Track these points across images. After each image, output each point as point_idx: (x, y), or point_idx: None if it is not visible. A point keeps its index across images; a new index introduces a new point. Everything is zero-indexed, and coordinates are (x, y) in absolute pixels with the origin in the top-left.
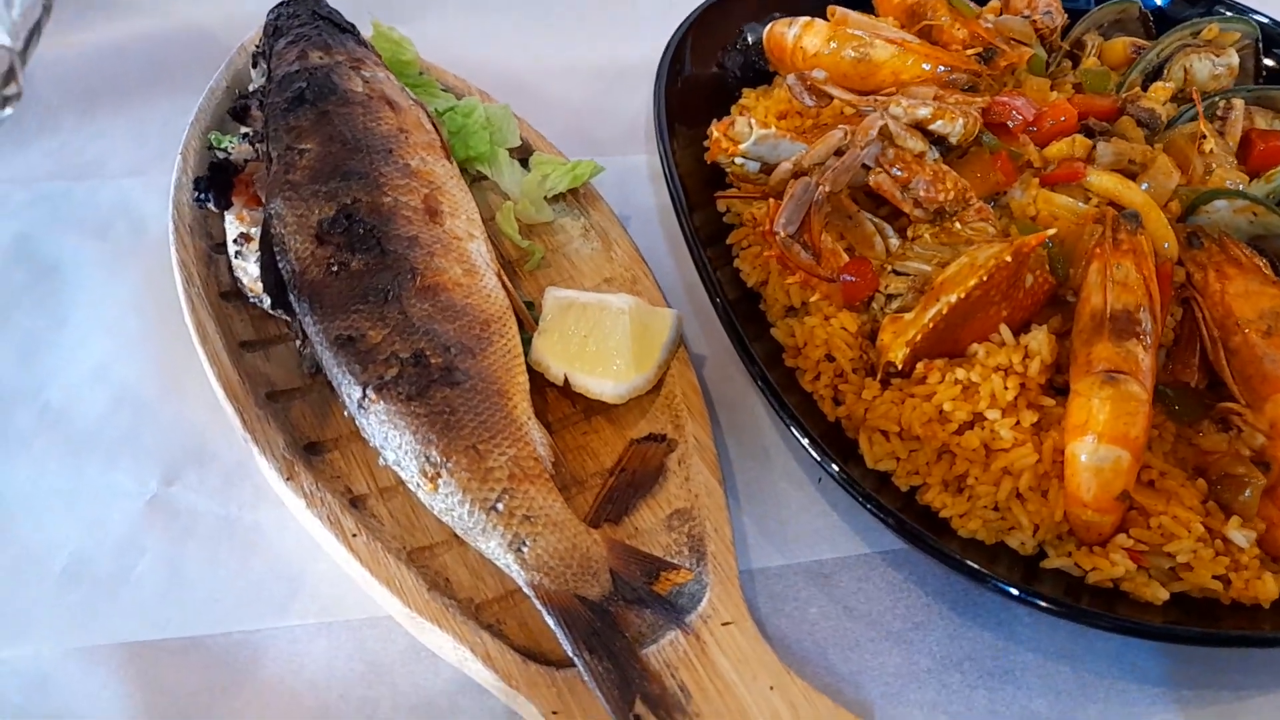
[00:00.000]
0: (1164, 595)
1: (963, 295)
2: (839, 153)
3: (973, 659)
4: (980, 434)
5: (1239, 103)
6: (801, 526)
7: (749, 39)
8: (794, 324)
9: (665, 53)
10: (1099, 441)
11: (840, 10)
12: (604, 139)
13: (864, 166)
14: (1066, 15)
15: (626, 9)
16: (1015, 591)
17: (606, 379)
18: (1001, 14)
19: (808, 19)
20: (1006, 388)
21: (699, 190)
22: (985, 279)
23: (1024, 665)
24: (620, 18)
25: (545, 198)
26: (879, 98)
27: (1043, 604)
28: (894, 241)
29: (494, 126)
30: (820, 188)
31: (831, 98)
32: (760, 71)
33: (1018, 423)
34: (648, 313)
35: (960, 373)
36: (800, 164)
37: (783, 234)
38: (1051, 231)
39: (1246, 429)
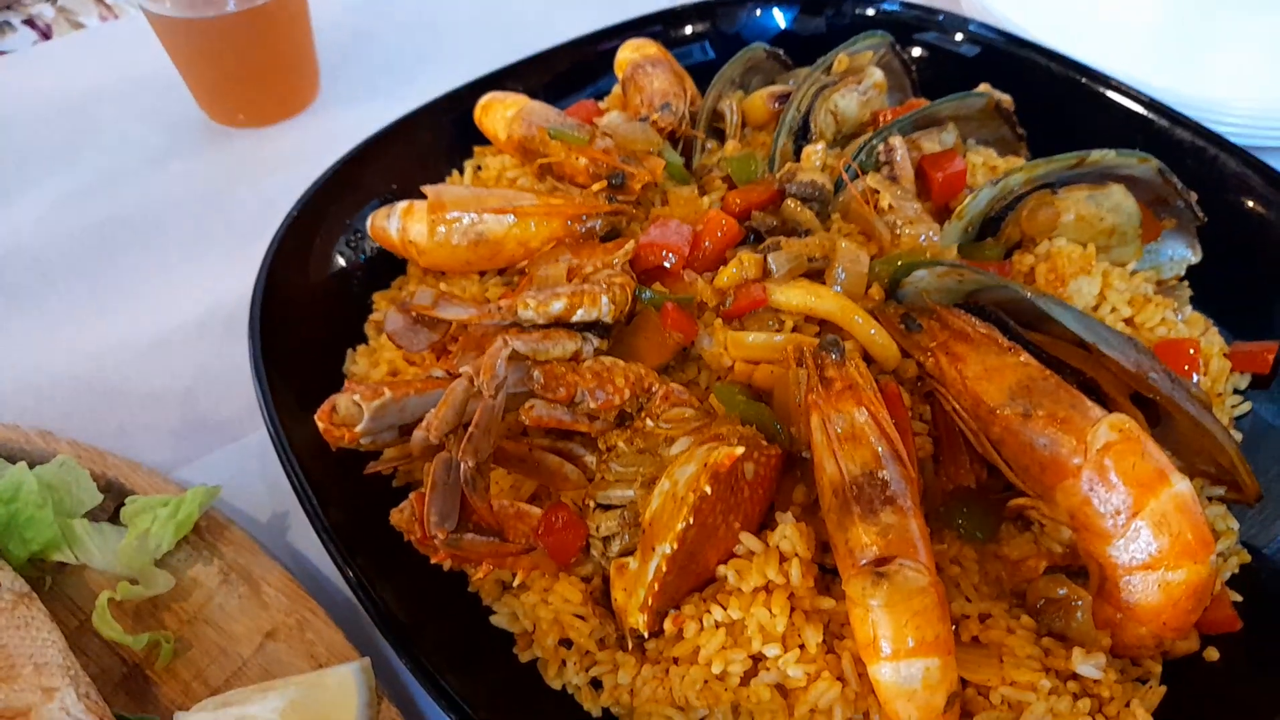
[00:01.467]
0: None
1: (676, 545)
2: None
3: None
4: (767, 679)
5: (896, 141)
6: None
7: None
8: (514, 604)
9: (255, 297)
10: (898, 659)
11: (434, 189)
12: (226, 417)
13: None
14: (695, 91)
15: (220, 231)
16: None
17: None
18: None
19: (406, 204)
20: (774, 613)
21: (342, 464)
22: (691, 521)
23: None
24: (212, 247)
25: (154, 561)
26: (500, 305)
27: None
28: (589, 459)
29: (58, 494)
30: (465, 463)
31: (448, 322)
32: (392, 261)
33: (803, 648)
34: (316, 693)
35: (718, 612)
36: (431, 435)
37: (442, 536)
38: (739, 451)
39: (1048, 523)
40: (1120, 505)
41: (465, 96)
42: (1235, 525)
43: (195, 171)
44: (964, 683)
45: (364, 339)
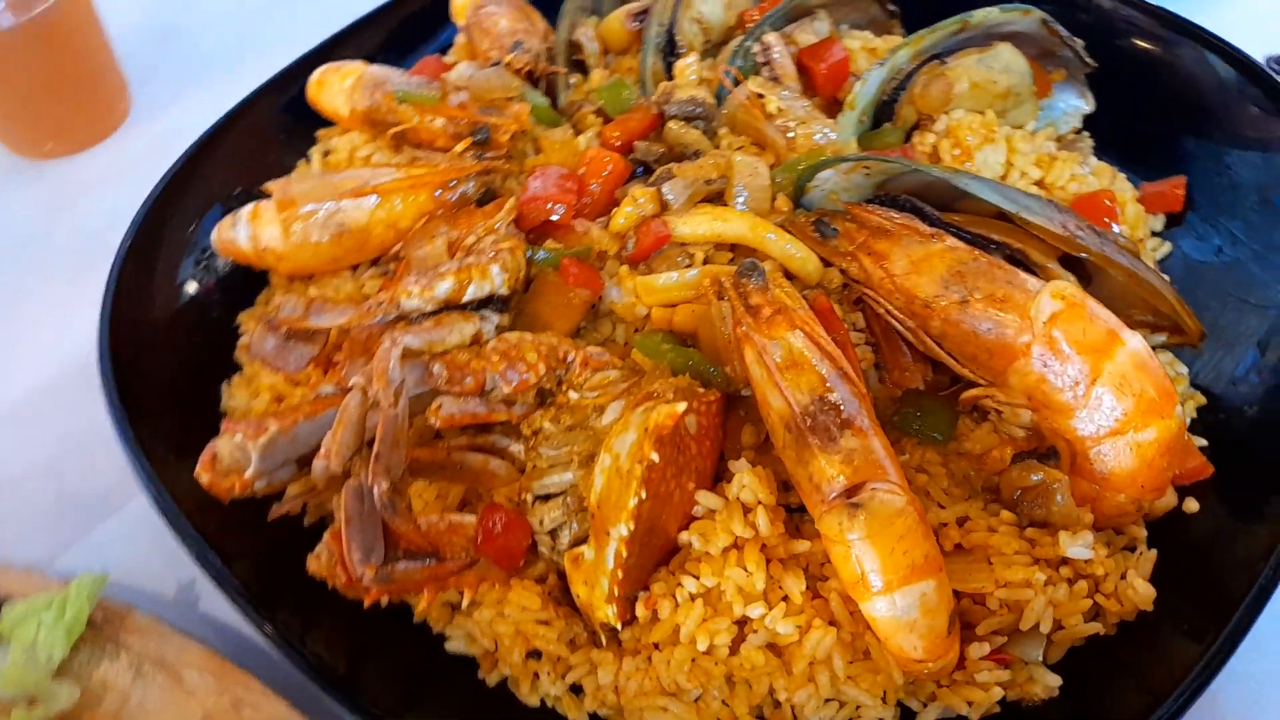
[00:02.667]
0: (1055, 682)
1: (632, 524)
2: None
3: None
4: (757, 642)
5: (771, 39)
6: None
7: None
8: (468, 625)
9: (101, 343)
10: (890, 591)
11: (279, 184)
12: (101, 487)
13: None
14: (546, 26)
15: (48, 276)
16: None
17: None
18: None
19: (252, 208)
20: (749, 570)
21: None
22: (644, 494)
23: None
24: (42, 296)
25: (51, 673)
26: (380, 300)
27: None
28: (516, 449)
29: None
30: (378, 487)
31: (326, 331)
32: (251, 275)
33: (787, 600)
34: None
35: (690, 583)
36: (332, 463)
37: (370, 573)
38: (680, 407)
39: (1005, 409)
40: (1077, 375)
41: (296, 76)
42: (1184, 370)
43: (6, 213)
44: (957, 595)
45: (236, 368)
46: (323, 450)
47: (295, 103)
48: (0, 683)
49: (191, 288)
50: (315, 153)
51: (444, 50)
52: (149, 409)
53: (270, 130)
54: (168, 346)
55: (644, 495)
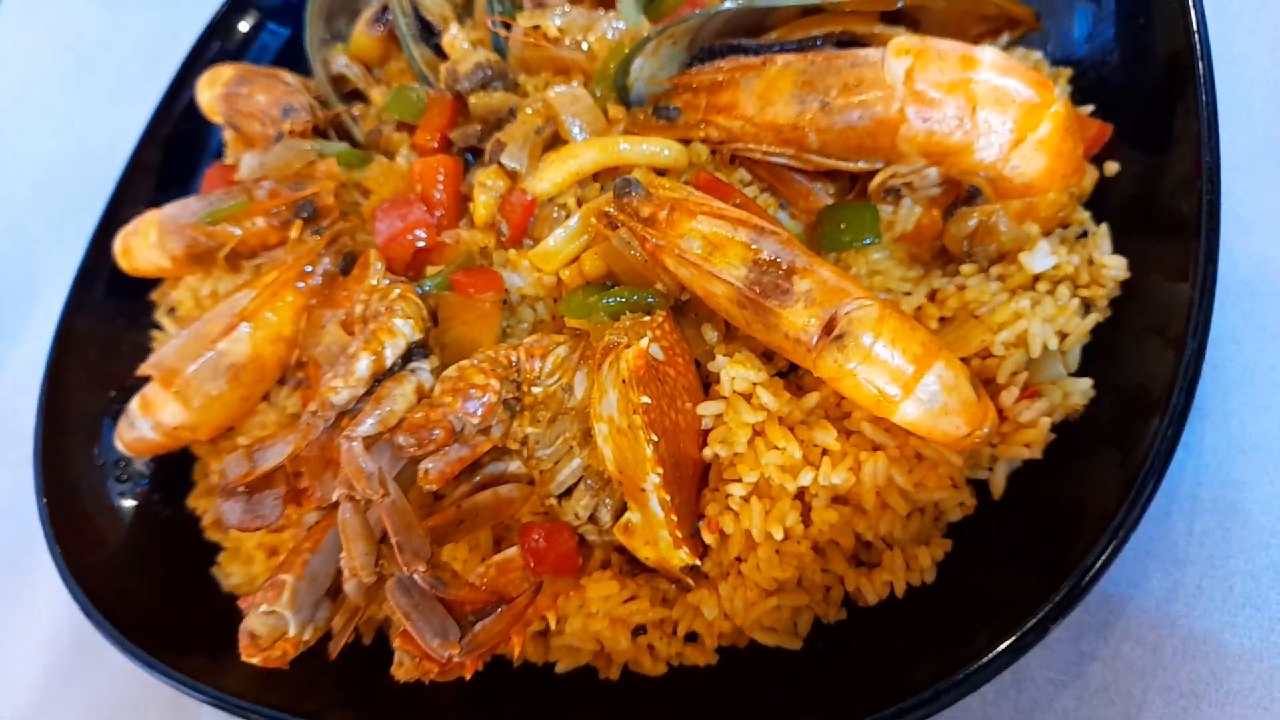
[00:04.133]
0: (1087, 385)
1: (659, 468)
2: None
3: None
4: (823, 503)
5: None
6: None
7: None
8: (567, 640)
9: (85, 607)
10: (910, 391)
11: (150, 364)
12: None
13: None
14: (299, 79)
15: None
16: None
17: None
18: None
19: (138, 399)
20: (780, 446)
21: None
22: (655, 437)
23: None
24: None
25: None
26: (312, 412)
27: None
28: (516, 466)
29: None
30: (416, 574)
31: (281, 467)
32: (176, 459)
33: (826, 453)
34: None
35: (737, 489)
36: (362, 577)
37: (455, 650)
38: (642, 342)
39: (913, 178)
40: (956, 112)
41: (96, 268)
42: (1039, 54)
43: None
44: (966, 362)
45: (214, 549)
46: (347, 572)
47: (116, 284)
48: None
49: (129, 505)
50: (161, 316)
51: (219, 155)
52: (152, 636)
53: (106, 324)
54: (138, 571)
55: (655, 437)
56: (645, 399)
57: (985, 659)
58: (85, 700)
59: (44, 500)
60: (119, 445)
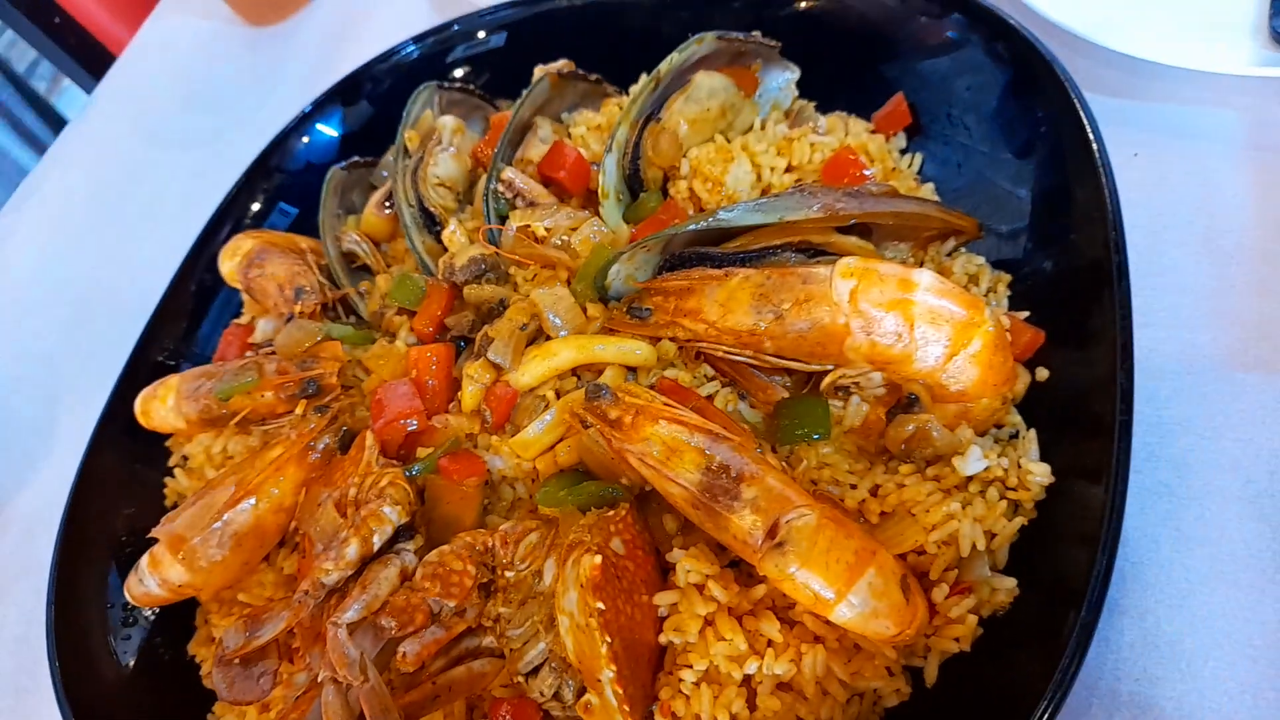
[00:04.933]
0: (1011, 584)
1: (613, 665)
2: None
3: None
4: (767, 689)
5: (508, 174)
6: None
7: None
8: None
9: None
10: (842, 597)
11: (161, 529)
12: None
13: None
14: (315, 250)
15: None
16: None
17: None
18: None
19: (147, 558)
20: (728, 637)
21: None
22: (609, 638)
23: None
24: None
25: None
26: (304, 591)
27: None
28: (489, 641)
29: None
30: None
31: (275, 641)
32: (179, 610)
33: (770, 643)
34: None
35: (688, 675)
36: None
37: None
38: (598, 558)
39: (860, 379)
40: (896, 327)
41: (118, 412)
42: (981, 259)
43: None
44: (903, 558)
45: (210, 698)
46: None
47: (133, 427)
48: None
49: (132, 646)
50: (175, 466)
51: (237, 312)
52: None
53: (125, 464)
54: (135, 710)
55: (609, 639)
56: (600, 605)
57: None
58: None
59: (52, 636)
60: (128, 596)
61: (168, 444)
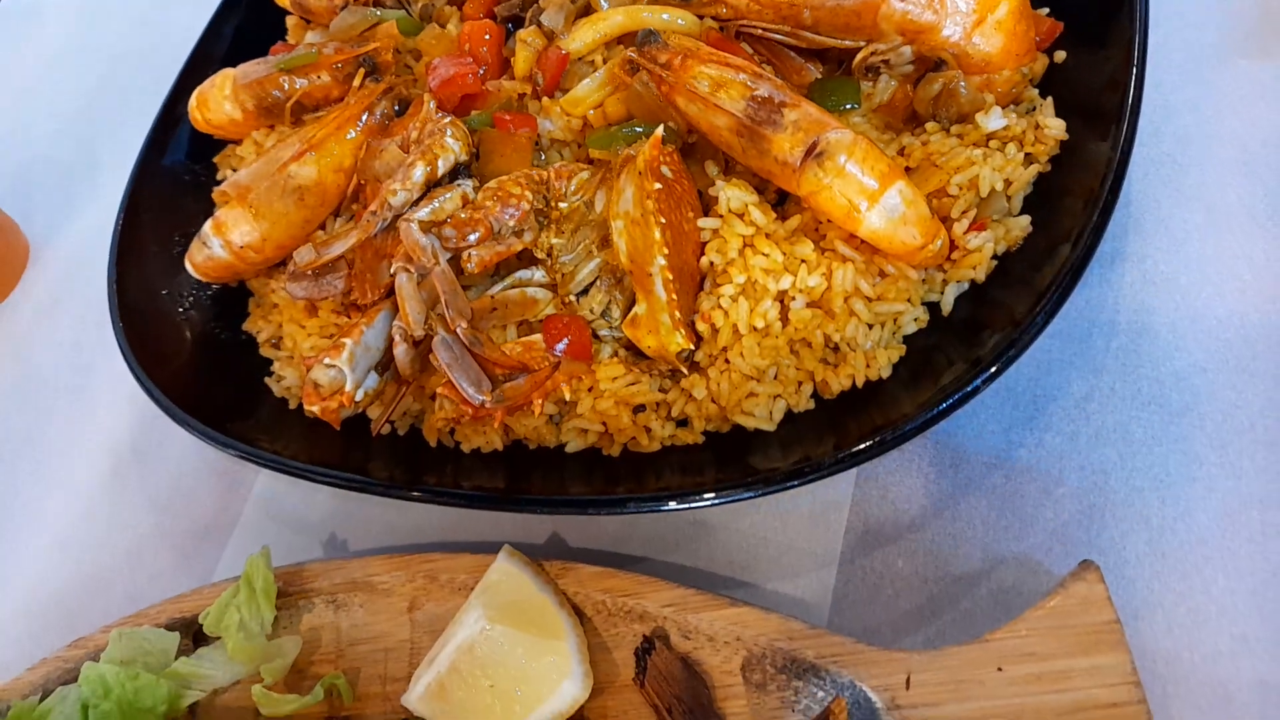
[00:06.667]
0: (1026, 221)
1: (666, 253)
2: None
3: None
4: (799, 304)
5: None
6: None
7: None
8: (578, 421)
9: (158, 403)
10: (874, 202)
11: (227, 184)
12: (207, 520)
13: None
14: None
15: None
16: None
17: (556, 690)
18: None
19: (211, 223)
20: (766, 253)
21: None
22: (664, 220)
23: None
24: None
25: (268, 636)
26: (372, 210)
27: None
28: (541, 274)
29: (139, 660)
30: (459, 328)
31: (341, 258)
32: (234, 292)
33: (804, 261)
34: (492, 594)
35: (728, 288)
36: (413, 329)
37: (489, 398)
38: (657, 134)
39: (890, 55)
40: None
41: (164, 139)
42: None
43: None
44: (926, 198)
45: (269, 364)
46: (398, 334)
47: (189, 143)
48: (235, 665)
49: (191, 325)
50: (225, 176)
51: (283, 39)
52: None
53: (173, 184)
54: (200, 373)
55: (664, 220)
56: (658, 185)
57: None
58: (146, 494)
59: (118, 319)
60: (189, 267)
61: (215, 159)
